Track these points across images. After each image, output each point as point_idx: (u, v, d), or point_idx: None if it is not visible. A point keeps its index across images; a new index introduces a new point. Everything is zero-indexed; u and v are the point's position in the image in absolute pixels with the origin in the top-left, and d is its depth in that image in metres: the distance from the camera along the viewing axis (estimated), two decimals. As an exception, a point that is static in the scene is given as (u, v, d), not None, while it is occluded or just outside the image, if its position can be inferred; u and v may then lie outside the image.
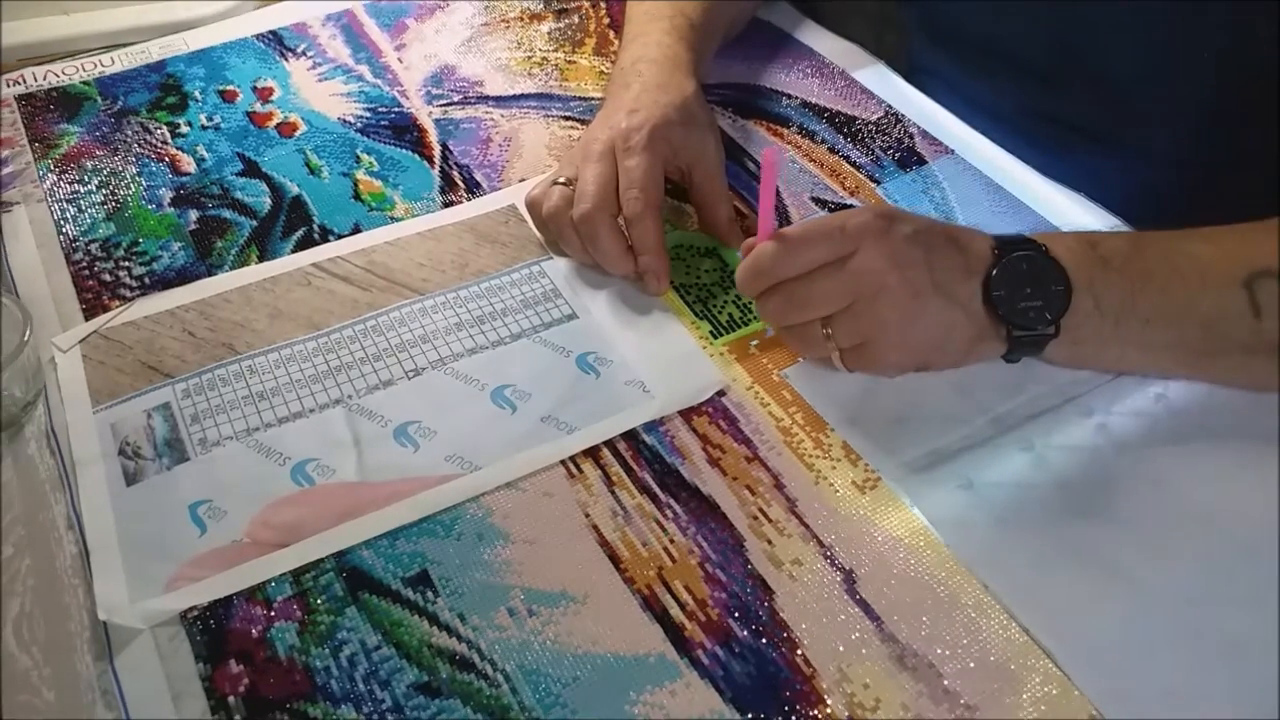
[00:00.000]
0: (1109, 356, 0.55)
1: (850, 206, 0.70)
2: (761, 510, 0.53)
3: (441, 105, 0.81)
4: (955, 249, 0.54)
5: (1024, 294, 0.53)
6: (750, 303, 0.63)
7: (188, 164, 0.75)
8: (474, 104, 0.81)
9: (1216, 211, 0.54)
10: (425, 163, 0.75)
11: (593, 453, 0.56)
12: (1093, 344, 0.54)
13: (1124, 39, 0.67)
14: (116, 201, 0.72)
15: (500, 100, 0.81)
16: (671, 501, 0.53)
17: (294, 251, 0.68)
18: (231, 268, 0.67)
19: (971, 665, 0.46)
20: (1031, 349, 0.54)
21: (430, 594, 0.50)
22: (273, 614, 0.49)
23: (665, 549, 0.51)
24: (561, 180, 0.65)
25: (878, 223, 0.53)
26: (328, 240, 0.69)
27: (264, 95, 0.82)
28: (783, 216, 0.70)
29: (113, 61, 0.86)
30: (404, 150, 0.76)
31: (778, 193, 0.71)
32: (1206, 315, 0.52)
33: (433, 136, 0.78)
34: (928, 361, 0.55)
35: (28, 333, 0.57)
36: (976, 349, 0.55)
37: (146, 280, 0.66)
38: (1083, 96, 0.72)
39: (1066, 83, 0.72)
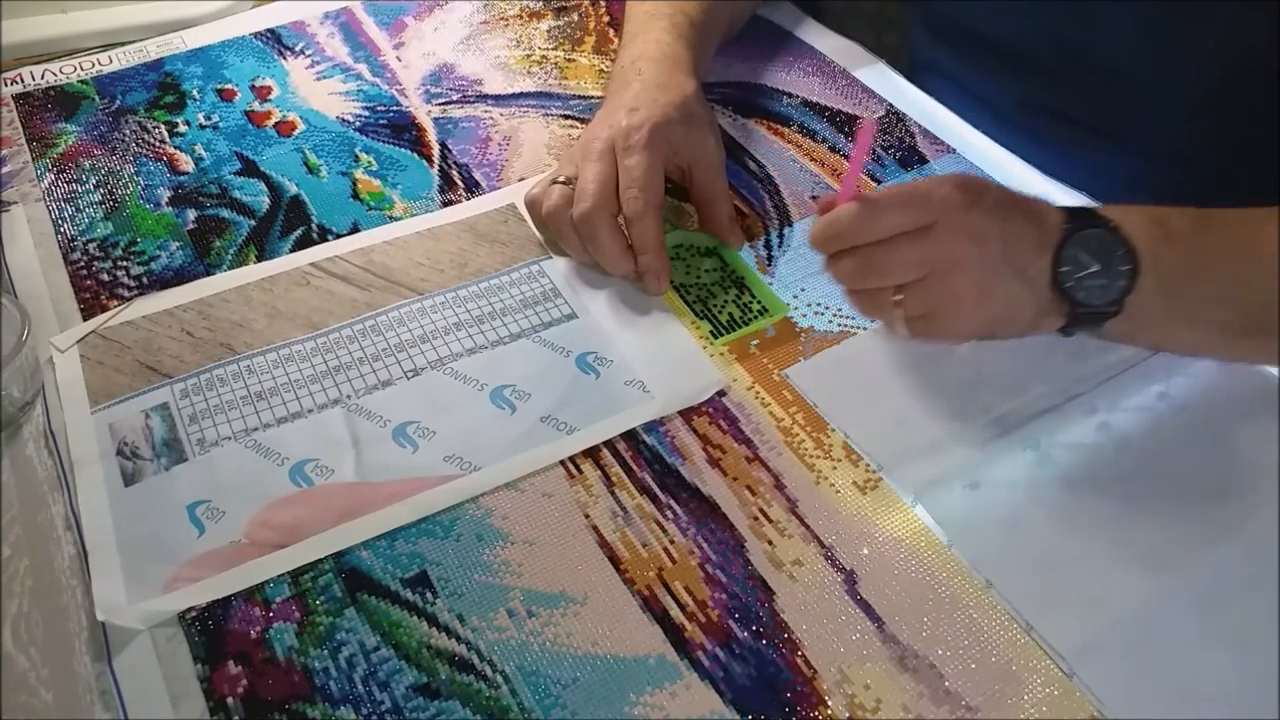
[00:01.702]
0: (1160, 333, 0.55)
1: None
2: (762, 511, 0.53)
3: (440, 104, 0.80)
4: (1030, 222, 0.53)
5: (1090, 272, 0.52)
6: (750, 302, 0.63)
7: (186, 163, 0.75)
8: (473, 103, 0.81)
9: (1217, 207, 0.54)
10: (424, 162, 0.75)
11: (592, 453, 0.55)
12: (1150, 321, 0.53)
13: (1125, 34, 0.67)
14: (114, 201, 0.72)
15: (499, 99, 0.81)
16: (671, 502, 0.53)
17: (292, 251, 0.68)
18: (230, 267, 0.67)
19: (973, 666, 0.46)
20: (1091, 325, 0.54)
21: (429, 595, 0.50)
22: (271, 615, 0.49)
23: (665, 550, 0.51)
24: (561, 179, 0.64)
25: (960, 195, 0.52)
26: (326, 240, 0.69)
27: (262, 94, 0.82)
28: (784, 214, 0.69)
29: (110, 60, 0.86)
30: (403, 149, 0.76)
31: (779, 189, 0.71)
32: (1266, 294, 0.52)
33: (431, 135, 0.77)
34: (992, 334, 0.55)
35: (26, 333, 0.57)
36: (1040, 323, 0.54)
37: (144, 280, 0.66)
38: (1084, 91, 0.71)
39: (1068, 77, 0.72)
